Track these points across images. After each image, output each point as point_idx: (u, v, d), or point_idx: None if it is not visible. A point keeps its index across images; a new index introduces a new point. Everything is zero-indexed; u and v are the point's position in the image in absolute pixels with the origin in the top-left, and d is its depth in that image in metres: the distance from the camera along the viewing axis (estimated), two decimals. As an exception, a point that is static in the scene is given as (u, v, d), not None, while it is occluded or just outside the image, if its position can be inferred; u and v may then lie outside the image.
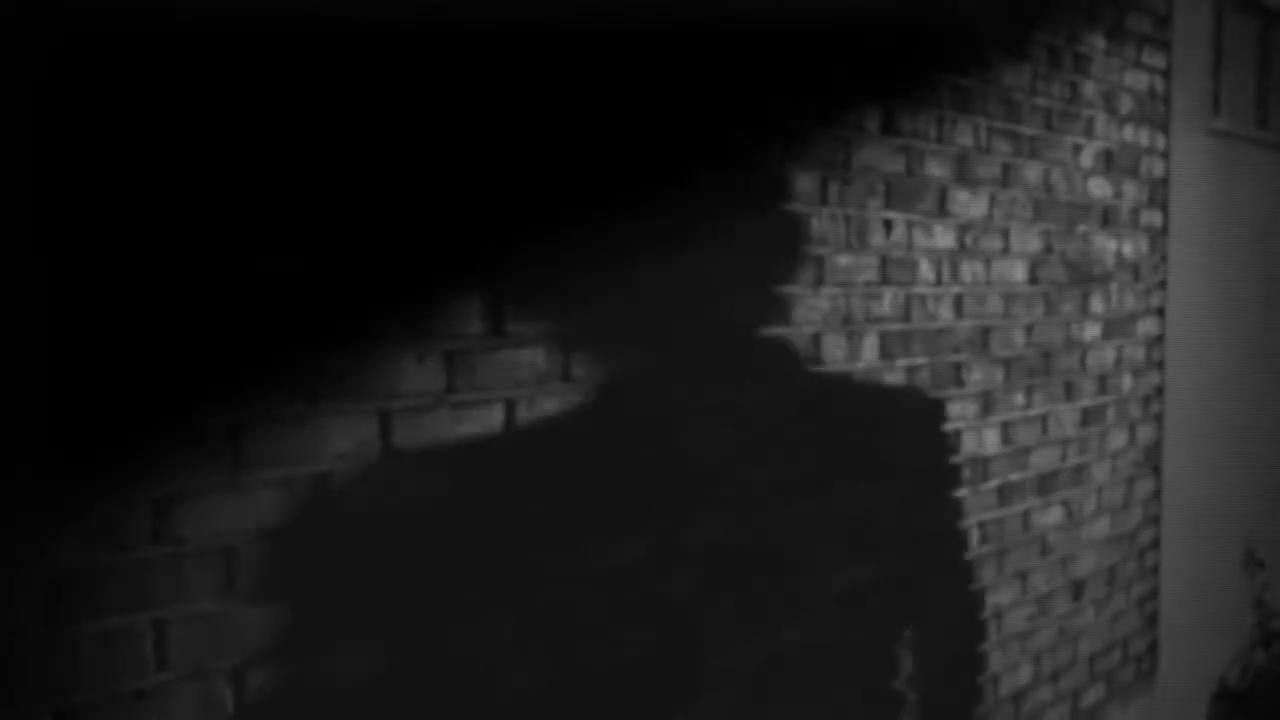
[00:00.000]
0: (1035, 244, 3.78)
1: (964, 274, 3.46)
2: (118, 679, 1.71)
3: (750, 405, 2.67)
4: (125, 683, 1.72)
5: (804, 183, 2.88)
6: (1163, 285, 4.56)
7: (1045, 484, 3.86)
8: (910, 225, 3.25)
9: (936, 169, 3.34)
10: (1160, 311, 4.54)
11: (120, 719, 1.71)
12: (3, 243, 1.58)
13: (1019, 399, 3.71)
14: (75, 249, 1.65)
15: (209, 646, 1.81)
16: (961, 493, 3.41)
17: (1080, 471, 4.04)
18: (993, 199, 3.58)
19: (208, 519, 1.80)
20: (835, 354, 2.99)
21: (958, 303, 3.43)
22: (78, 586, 1.66)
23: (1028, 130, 3.72)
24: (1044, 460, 3.84)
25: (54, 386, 1.64)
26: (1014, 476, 3.70)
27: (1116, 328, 4.24)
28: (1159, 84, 4.47)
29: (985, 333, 3.55)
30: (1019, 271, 3.70)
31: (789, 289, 2.82)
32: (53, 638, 1.64)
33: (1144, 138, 4.39)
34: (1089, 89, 4.03)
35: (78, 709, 1.66)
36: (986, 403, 3.56)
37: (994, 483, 3.60)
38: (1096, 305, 4.12)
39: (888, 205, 3.16)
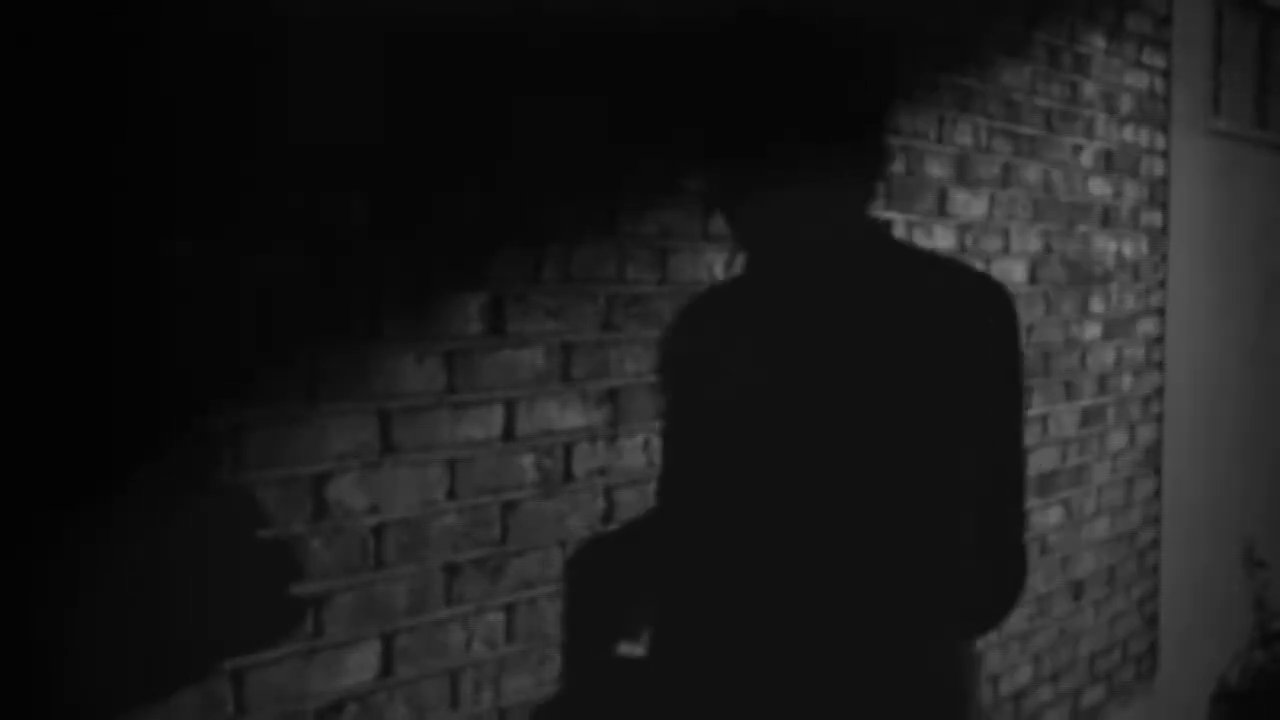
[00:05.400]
0: (1035, 244, 3.78)
1: (964, 274, 3.45)
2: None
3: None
4: (125, 683, 1.72)
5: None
6: (1163, 285, 4.55)
7: (1045, 484, 3.86)
8: (910, 225, 3.24)
9: (936, 169, 3.34)
10: (1160, 311, 4.53)
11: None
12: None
13: (1019, 399, 3.70)
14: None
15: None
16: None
17: (1080, 471, 4.04)
18: (992, 199, 3.57)
19: (208, 519, 1.80)
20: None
21: (958, 303, 3.43)
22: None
23: (1028, 130, 3.72)
24: (1044, 460, 3.84)
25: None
26: (1014, 476, 3.69)
27: (1116, 328, 4.24)
28: (1159, 84, 4.47)
29: (985, 333, 3.54)
30: (1019, 271, 3.70)
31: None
32: (53, 638, 1.64)
33: (1144, 138, 4.39)
34: (1089, 89, 4.03)
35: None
36: (986, 403, 3.55)
37: (994, 483, 3.60)
38: (1096, 305, 4.12)
39: (888, 205, 3.16)
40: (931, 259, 1.45)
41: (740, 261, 1.50)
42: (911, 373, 1.36)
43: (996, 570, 1.37)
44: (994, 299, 1.39)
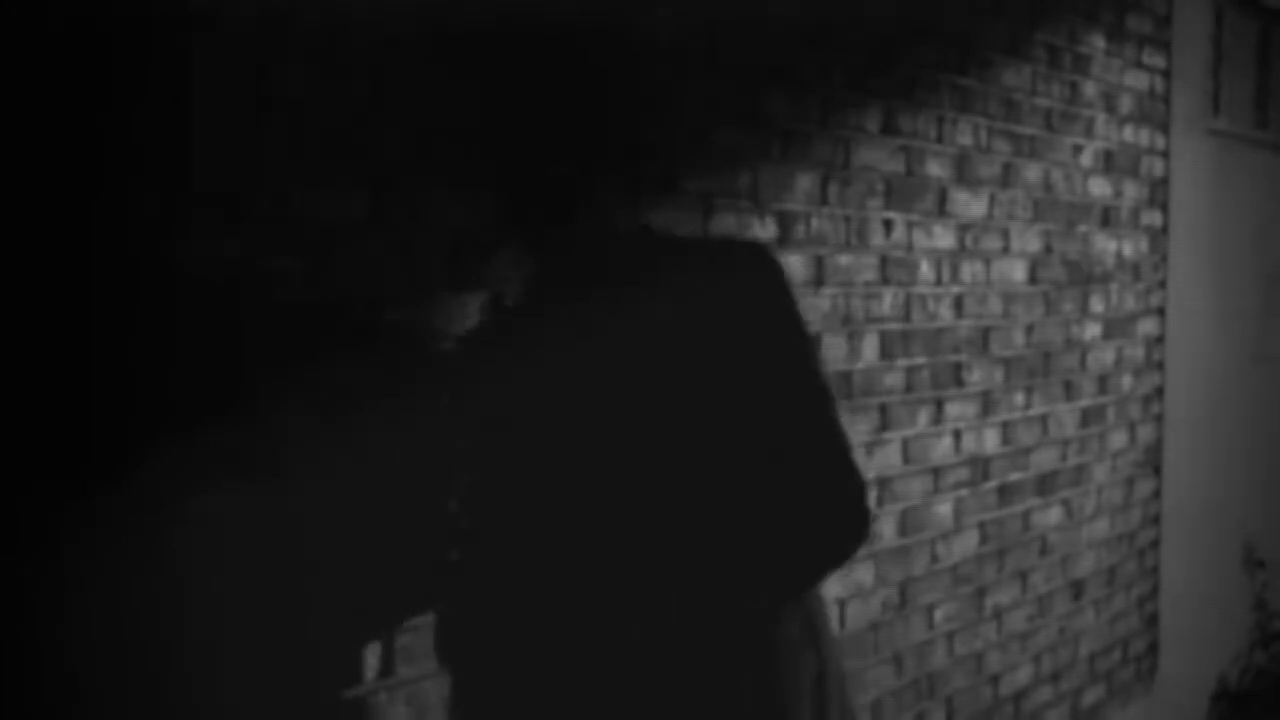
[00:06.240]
0: (1035, 244, 3.78)
1: (964, 274, 3.46)
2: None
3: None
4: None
5: (804, 182, 2.89)
6: (1163, 285, 4.56)
7: (1045, 484, 3.86)
8: (910, 225, 3.24)
9: (936, 169, 3.34)
10: (1160, 311, 4.54)
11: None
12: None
13: (1019, 399, 3.71)
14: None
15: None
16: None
17: (1080, 471, 4.04)
18: (993, 199, 3.58)
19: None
20: (835, 354, 2.99)
21: (958, 303, 3.43)
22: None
23: (1028, 130, 3.72)
24: (1044, 460, 3.84)
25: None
26: (1014, 476, 3.70)
27: (1116, 328, 4.24)
28: (1159, 84, 4.47)
29: (985, 333, 3.55)
30: (1019, 271, 3.70)
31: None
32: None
33: (1144, 138, 4.40)
34: (1089, 89, 4.03)
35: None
36: (986, 403, 3.56)
37: (994, 483, 3.60)
38: (1096, 305, 4.12)
39: (888, 205, 3.16)
40: (691, 242, 1.62)
41: (520, 282, 1.59)
42: (694, 349, 1.43)
43: (831, 499, 1.44)
44: (748, 256, 1.49)
